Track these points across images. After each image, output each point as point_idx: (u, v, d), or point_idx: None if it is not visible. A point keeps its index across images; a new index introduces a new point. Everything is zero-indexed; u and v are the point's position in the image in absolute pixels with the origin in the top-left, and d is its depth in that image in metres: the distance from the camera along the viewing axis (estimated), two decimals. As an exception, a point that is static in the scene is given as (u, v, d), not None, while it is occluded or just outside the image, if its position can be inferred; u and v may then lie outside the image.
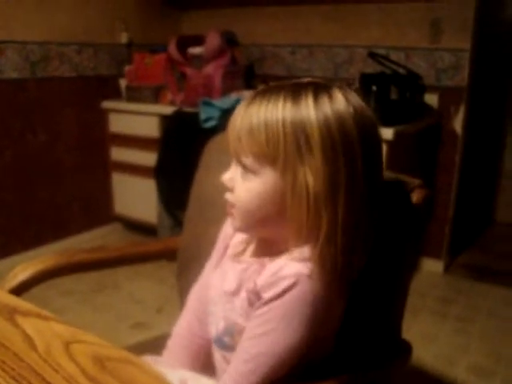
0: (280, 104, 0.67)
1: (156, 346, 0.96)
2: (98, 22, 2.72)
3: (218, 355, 0.82)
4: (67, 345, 0.60)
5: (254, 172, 0.70)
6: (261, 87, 0.74)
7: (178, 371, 0.83)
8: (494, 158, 3.33)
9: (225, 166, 1.16)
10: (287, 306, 0.68)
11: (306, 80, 0.72)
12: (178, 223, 2.52)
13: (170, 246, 1.26)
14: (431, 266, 2.57)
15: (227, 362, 0.78)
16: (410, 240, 0.87)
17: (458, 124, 2.39)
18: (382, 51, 2.44)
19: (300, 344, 0.69)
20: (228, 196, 0.75)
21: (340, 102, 0.68)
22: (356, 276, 0.72)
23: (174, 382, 0.76)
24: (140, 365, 0.58)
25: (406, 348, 0.91)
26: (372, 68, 2.42)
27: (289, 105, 0.67)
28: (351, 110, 0.68)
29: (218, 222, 1.13)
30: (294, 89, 0.69)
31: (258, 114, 0.68)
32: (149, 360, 0.87)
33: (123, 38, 2.84)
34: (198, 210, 1.17)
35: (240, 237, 0.84)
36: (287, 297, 0.68)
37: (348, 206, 0.67)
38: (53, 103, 2.58)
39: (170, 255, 1.26)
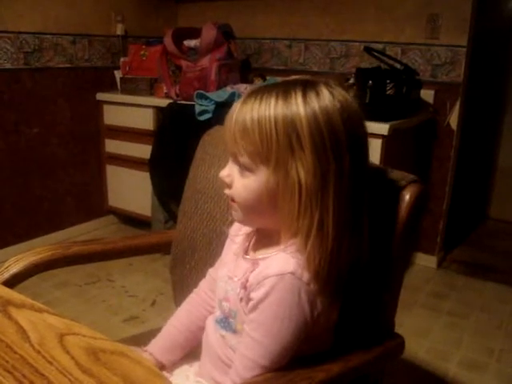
0: (272, 103, 0.70)
1: (149, 339, 0.96)
2: (94, 12, 2.70)
3: (215, 337, 0.84)
4: (61, 337, 0.60)
5: (249, 170, 0.73)
6: (258, 84, 0.76)
7: None
8: (488, 154, 3.35)
9: (219, 159, 1.16)
10: (275, 306, 0.71)
11: (295, 78, 0.75)
12: (172, 216, 2.51)
13: (164, 239, 1.25)
14: (425, 261, 2.58)
15: (226, 343, 0.81)
16: (404, 235, 0.87)
17: (453, 120, 2.39)
18: (378, 46, 2.44)
19: (295, 341, 0.72)
20: (227, 191, 0.78)
21: (326, 98, 0.70)
22: (346, 275, 0.75)
23: None
24: (134, 357, 0.58)
25: (399, 342, 0.91)
26: (368, 63, 2.42)
27: (280, 103, 0.69)
28: (337, 104, 0.70)
29: (212, 215, 1.13)
30: (285, 87, 0.71)
31: (251, 114, 0.70)
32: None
33: (118, 30, 2.82)
34: (192, 203, 1.17)
35: (242, 232, 0.87)
36: (273, 296, 0.70)
37: (337, 198, 0.70)
38: (47, 94, 2.56)
39: (164, 248, 1.26)
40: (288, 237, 0.74)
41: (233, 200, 0.77)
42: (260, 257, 0.79)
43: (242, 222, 0.82)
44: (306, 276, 0.70)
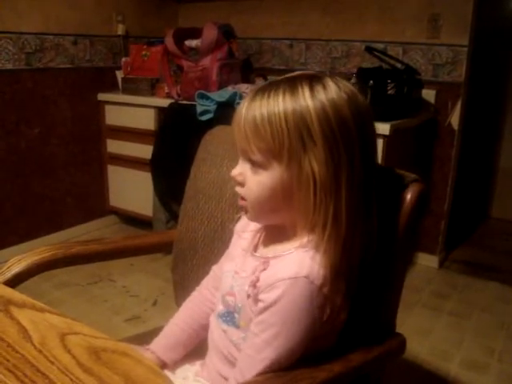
0: (280, 98, 0.70)
1: (151, 338, 0.96)
2: (95, 13, 2.70)
3: (217, 332, 0.85)
4: (62, 336, 0.60)
5: (262, 166, 0.73)
6: (259, 84, 0.76)
7: None
8: (490, 154, 3.34)
9: (220, 159, 1.16)
10: (286, 310, 0.70)
11: (299, 73, 0.75)
12: (173, 216, 2.51)
13: (166, 239, 1.25)
14: (426, 261, 2.57)
15: (227, 338, 0.81)
16: (405, 234, 0.87)
17: (454, 119, 2.39)
18: (379, 46, 2.43)
19: (302, 343, 0.72)
20: (238, 190, 0.77)
21: (333, 90, 0.71)
22: (357, 272, 0.75)
23: None
24: (135, 356, 0.58)
25: (400, 341, 0.91)
26: (369, 63, 2.42)
27: (288, 98, 0.70)
28: (344, 96, 0.71)
29: (213, 215, 1.13)
30: (291, 82, 0.72)
31: (260, 111, 0.71)
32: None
33: (120, 30, 2.82)
34: (193, 203, 1.17)
35: (251, 228, 0.87)
36: (285, 300, 0.70)
37: (349, 189, 0.70)
38: (48, 95, 2.56)
39: (165, 248, 1.26)
40: (304, 232, 0.74)
41: (243, 199, 0.77)
42: (271, 255, 0.78)
43: (253, 220, 0.82)
44: (319, 280, 0.70)
